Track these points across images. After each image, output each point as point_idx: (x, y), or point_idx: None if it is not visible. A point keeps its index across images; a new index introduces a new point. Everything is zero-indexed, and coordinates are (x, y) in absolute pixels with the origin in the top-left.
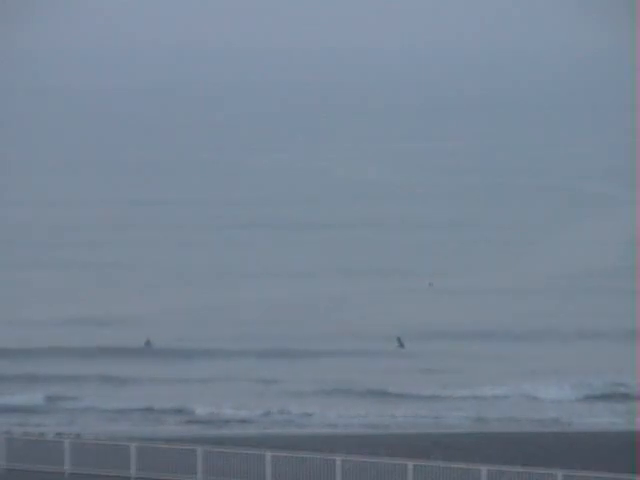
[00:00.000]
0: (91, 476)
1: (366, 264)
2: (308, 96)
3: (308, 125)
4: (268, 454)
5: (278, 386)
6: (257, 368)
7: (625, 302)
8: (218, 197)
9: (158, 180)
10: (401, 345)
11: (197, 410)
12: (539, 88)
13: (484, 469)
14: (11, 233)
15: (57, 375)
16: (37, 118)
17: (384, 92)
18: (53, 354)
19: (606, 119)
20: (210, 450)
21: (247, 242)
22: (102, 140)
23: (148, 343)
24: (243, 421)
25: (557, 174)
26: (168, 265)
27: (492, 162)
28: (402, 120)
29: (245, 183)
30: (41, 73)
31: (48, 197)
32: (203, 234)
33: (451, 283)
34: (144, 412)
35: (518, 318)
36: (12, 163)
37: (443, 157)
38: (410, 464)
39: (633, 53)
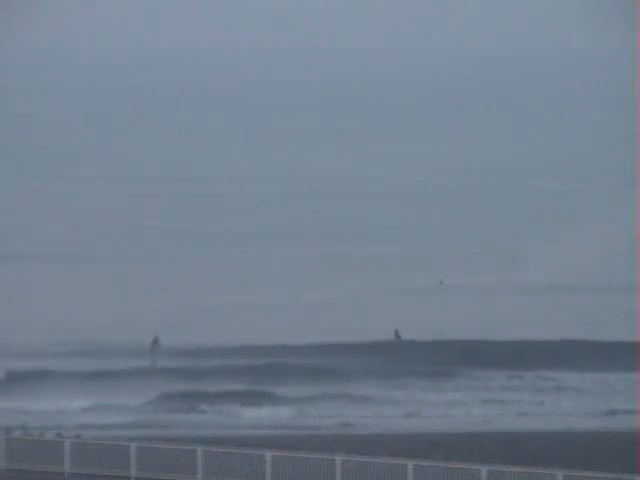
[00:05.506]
0: (91, 476)
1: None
2: (308, 96)
3: (308, 125)
4: (268, 454)
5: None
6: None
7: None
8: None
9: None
10: (398, 337)
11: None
12: (538, 88)
13: (484, 469)
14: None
15: None
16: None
17: (384, 92)
18: None
19: (605, 119)
20: (210, 450)
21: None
22: (101, 143)
23: (155, 341)
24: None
25: (555, 174)
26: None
27: (491, 162)
28: (402, 120)
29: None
30: (41, 72)
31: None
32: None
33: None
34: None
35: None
36: (10, 164)
37: (439, 158)
38: (410, 464)
39: (633, 53)
